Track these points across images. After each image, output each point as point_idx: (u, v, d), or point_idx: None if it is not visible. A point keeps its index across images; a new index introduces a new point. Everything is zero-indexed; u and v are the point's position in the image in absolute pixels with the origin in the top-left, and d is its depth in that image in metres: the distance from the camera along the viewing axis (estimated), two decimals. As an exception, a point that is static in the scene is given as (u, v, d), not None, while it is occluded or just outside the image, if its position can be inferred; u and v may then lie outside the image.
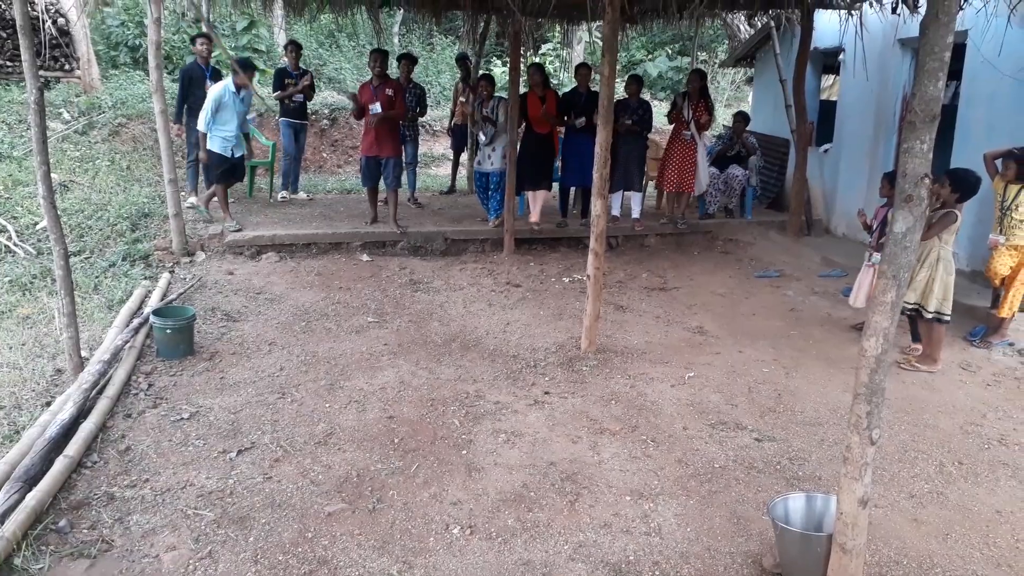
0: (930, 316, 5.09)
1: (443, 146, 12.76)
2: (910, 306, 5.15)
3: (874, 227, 5.60)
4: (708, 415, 4.41)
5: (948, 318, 5.10)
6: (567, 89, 9.33)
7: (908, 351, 5.38)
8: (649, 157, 9.01)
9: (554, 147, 8.16)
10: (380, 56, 7.77)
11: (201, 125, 7.25)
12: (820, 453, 4.01)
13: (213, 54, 8.69)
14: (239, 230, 7.43)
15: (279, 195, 9.20)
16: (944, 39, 2.32)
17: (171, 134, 7.14)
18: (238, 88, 7.28)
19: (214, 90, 7.21)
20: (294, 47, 8.97)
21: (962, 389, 4.95)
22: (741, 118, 9.15)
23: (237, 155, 7.52)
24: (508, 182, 7.74)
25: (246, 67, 7.45)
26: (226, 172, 7.45)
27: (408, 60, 8.89)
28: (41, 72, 5.45)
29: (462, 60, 10.08)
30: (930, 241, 5.03)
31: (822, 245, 8.52)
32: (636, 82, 8.41)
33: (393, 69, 8.41)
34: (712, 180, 8.98)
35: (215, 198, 7.68)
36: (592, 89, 8.11)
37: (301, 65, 9.17)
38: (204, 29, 9.35)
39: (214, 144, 7.28)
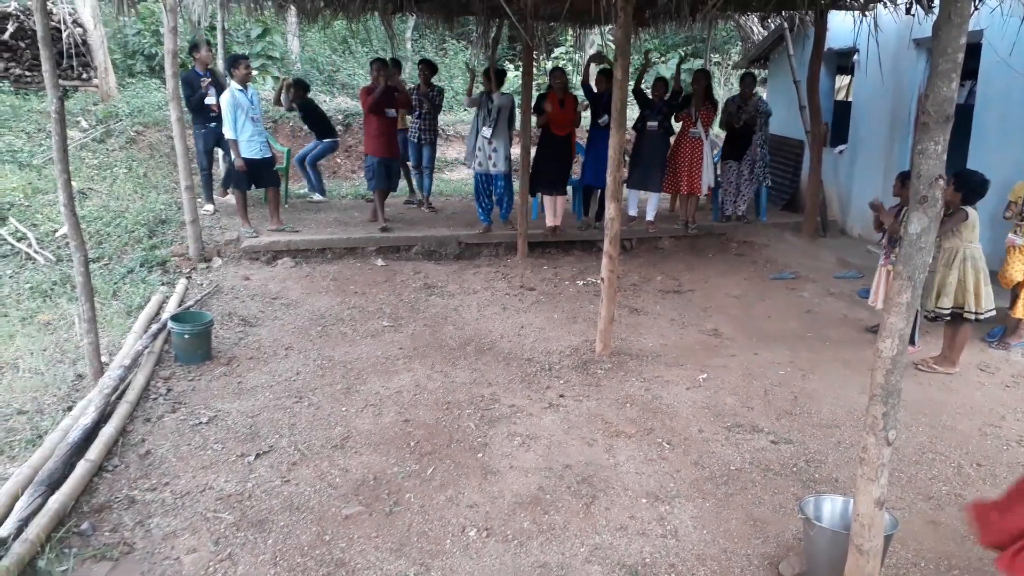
0: (971, 317, 5.03)
1: (455, 151, 12.80)
2: (947, 311, 5.08)
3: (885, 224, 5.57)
4: (724, 418, 4.40)
5: (984, 316, 5.04)
6: (578, 92, 9.31)
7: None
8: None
9: (571, 150, 8.16)
10: (381, 65, 7.93)
11: (229, 133, 7.30)
12: (837, 455, 4.00)
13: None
14: (256, 236, 7.49)
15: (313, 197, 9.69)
16: (957, 40, 2.32)
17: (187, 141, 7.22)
18: (244, 85, 7.33)
19: (225, 97, 7.26)
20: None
21: (980, 390, 4.91)
22: (750, 79, 8.86)
23: (267, 155, 7.61)
24: (521, 184, 7.76)
25: (237, 58, 7.58)
26: (251, 177, 7.51)
27: (426, 65, 8.90)
28: (60, 82, 5.49)
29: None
30: (954, 243, 5.00)
31: (837, 246, 8.48)
32: (662, 84, 8.38)
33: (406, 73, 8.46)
34: (727, 178, 8.88)
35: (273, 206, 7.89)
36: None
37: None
38: (204, 37, 9.46)
39: (242, 150, 7.34)
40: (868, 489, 2.52)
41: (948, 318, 5.12)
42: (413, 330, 5.73)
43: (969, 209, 4.97)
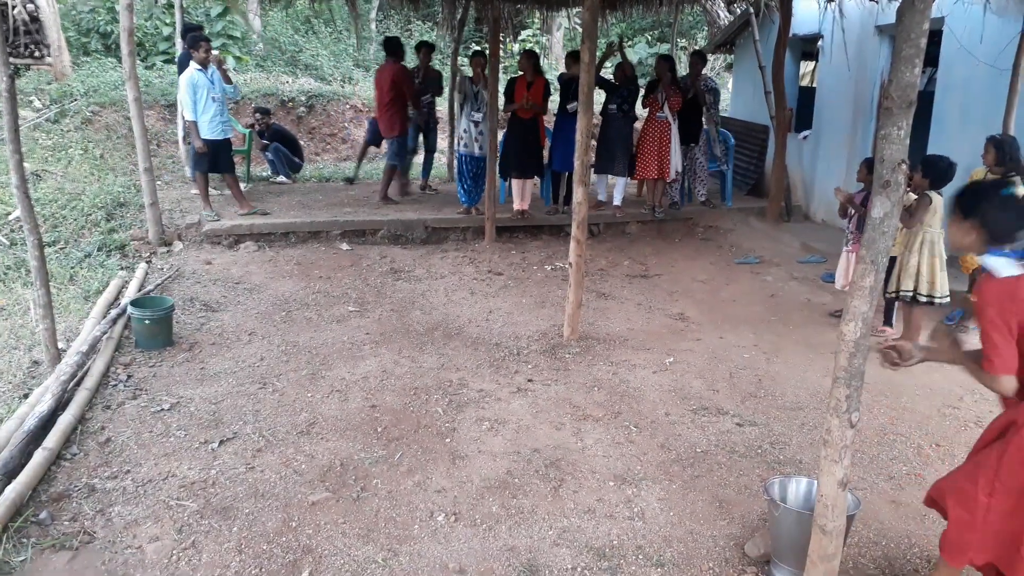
0: (923, 300, 5.13)
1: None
2: (909, 293, 5.17)
3: (850, 212, 5.64)
4: (690, 400, 4.44)
5: (938, 300, 5.11)
6: (547, 75, 9.28)
7: (876, 333, 5.43)
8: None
9: (540, 133, 8.14)
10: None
11: (189, 114, 7.13)
12: (801, 437, 4.06)
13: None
14: (218, 219, 7.36)
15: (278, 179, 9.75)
16: (920, 25, 2.33)
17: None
18: (203, 65, 7.17)
19: (185, 77, 7.11)
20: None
21: (939, 372, 5.00)
22: (698, 58, 8.87)
23: (227, 137, 7.47)
24: (489, 168, 7.72)
25: (200, 39, 7.36)
26: (212, 159, 7.36)
27: (428, 48, 8.89)
28: (11, 59, 5.27)
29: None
30: (915, 227, 5.09)
31: (801, 231, 8.59)
32: (627, 66, 8.39)
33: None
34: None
35: (228, 188, 7.84)
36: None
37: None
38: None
39: (204, 131, 7.17)
40: (832, 470, 2.55)
41: (908, 300, 5.22)
42: (379, 315, 5.68)
43: (933, 195, 5.05)
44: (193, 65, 7.12)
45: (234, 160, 7.88)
